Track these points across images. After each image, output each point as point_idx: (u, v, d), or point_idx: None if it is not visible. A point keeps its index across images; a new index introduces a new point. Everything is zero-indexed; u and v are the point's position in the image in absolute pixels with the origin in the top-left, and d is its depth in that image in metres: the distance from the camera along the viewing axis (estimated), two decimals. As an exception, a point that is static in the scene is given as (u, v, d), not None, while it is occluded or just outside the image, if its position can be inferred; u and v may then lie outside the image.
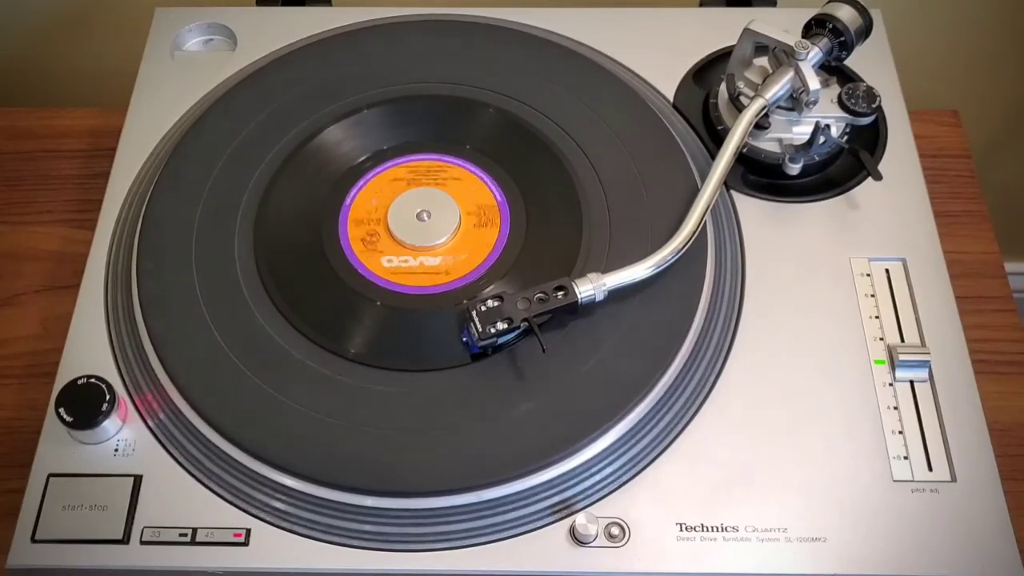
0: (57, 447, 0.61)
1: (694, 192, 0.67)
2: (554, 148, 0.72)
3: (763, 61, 0.72)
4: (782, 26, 0.69)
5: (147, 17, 0.82)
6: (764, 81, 0.70)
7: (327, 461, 0.60)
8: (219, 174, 0.71)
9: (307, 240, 0.68)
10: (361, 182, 0.71)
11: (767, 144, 0.72)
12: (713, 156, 0.70)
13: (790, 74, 0.69)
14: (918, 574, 0.58)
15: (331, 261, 0.67)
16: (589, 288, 0.62)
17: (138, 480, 0.60)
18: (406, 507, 0.59)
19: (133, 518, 0.59)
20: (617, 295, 0.64)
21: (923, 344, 0.65)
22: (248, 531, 0.59)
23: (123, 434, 0.62)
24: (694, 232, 0.65)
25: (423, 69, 0.77)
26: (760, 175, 0.73)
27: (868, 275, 0.68)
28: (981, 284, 0.78)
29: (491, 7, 0.82)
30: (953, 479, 0.61)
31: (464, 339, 0.63)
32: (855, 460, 0.61)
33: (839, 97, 0.70)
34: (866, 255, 0.69)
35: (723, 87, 0.74)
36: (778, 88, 0.69)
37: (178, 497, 0.60)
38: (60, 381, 0.63)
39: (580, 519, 0.58)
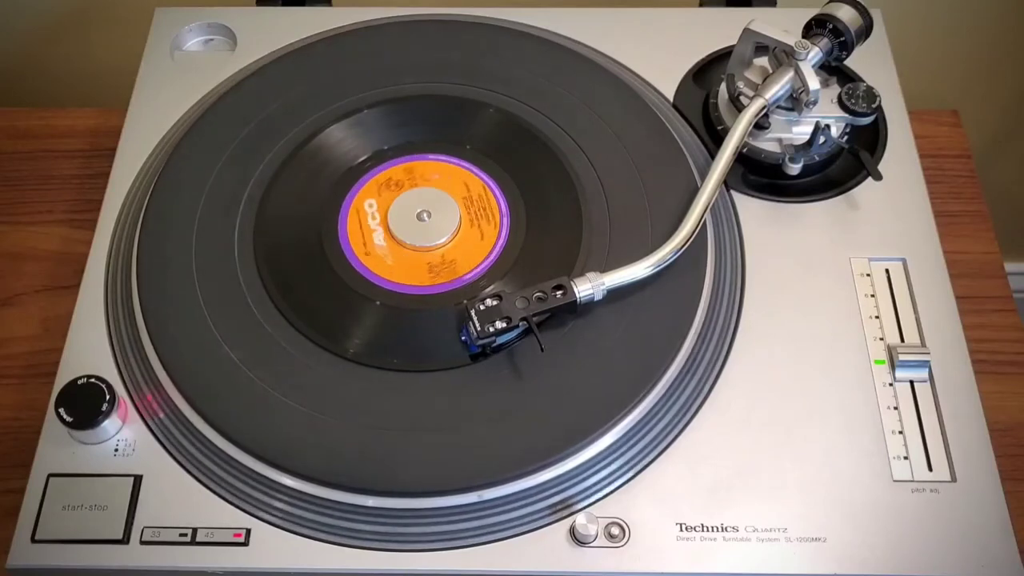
0: (57, 447, 0.61)
1: (694, 192, 0.67)
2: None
3: (763, 61, 0.72)
4: (782, 26, 0.69)
5: (147, 17, 0.82)
6: (764, 81, 0.70)
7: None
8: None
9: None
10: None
11: (767, 144, 0.72)
12: (713, 156, 0.70)
13: (790, 74, 0.69)
14: (918, 574, 0.58)
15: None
16: (588, 287, 0.62)
17: (138, 480, 0.60)
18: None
19: (133, 518, 0.59)
20: (617, 295, 0.64)
21: (923, 344, 0.65)
22: (248, 531, 0.59)
23: (123, 434, 0.62)
24: (693, 231, 0.65)
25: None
26: (760, 175, 0.73)
27: (868, 275, 0.68)
28: (981, 284, 0.78)
29: (491, 7, 0.82)
30: (953, 479, 0.61)
31: (463, 338, 0.63)
32: (855, 460, 0.61)
33: (839, 97, 0.70)
34: (866, 255, 0.69)
35: (723, 87, 0.74)
36: (778, 88, 0.69)
37: (178, 497, 0.60)
38: (60, 381, 0.63)
39: (580, 519, 0.58)
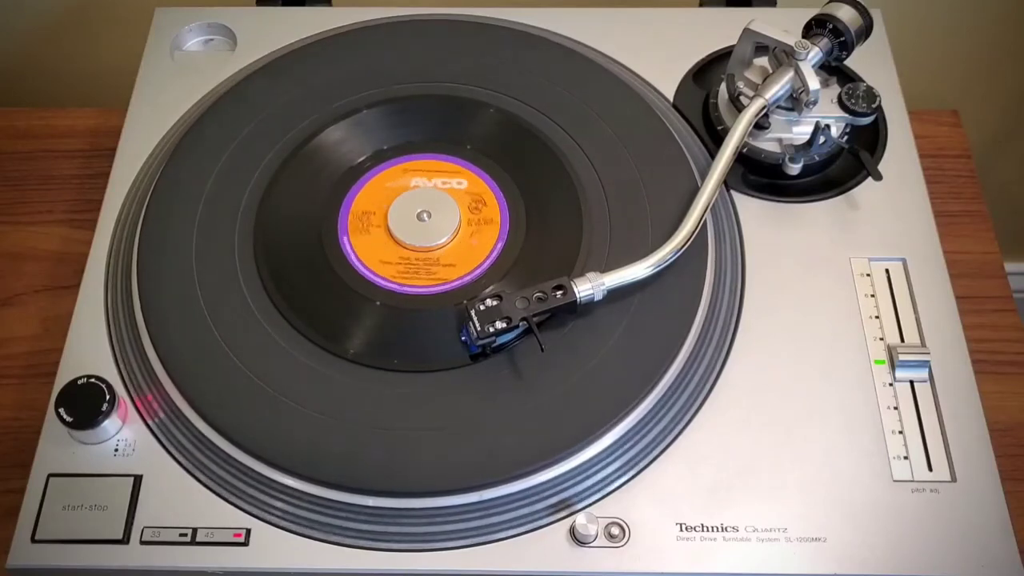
0: (57, 447, 0.61)
1: (694, 192, 0.67)
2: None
3: (763, 61, 0.72)
4: (782, 26, 0.69)
5: (147, 17, 0.82)
6: (764, 81, 0.70)
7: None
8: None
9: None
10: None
11: (767, 144, 0.72)
12: (713, 156, 0.70)
13: (790, 74, 0.69)
14: (918, 574, 0.58)
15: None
16: (588, 287, 0.62)
17: (138, 480, 0.60)
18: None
19: (133, 518, 0.59)
20: (617, 295, 0.64)
21: (923, 344, 0.65)
22: (248, 531, 0.59)
23: (123, 434, 0.62)
24: (693, 231, 0.65)
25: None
26: (760, 175, 0.73)
27: (868, 275, 0.68)
28: (981, 284, 0.78)
29: (491, 7, 0.82)
30: (953, 479, 0.61)
31: (463, 338, 0.63)
32: (855, 460, 0.61)
33: (839, 97, 0.70)
34: (866, 255, 0.69)
35: (723, 87, 0.74)
36: (778, 88, 0.69)
37: (178, 497, 0.60)
38: (60, 381, 0.63)
39: (580, 519, 0.58)
